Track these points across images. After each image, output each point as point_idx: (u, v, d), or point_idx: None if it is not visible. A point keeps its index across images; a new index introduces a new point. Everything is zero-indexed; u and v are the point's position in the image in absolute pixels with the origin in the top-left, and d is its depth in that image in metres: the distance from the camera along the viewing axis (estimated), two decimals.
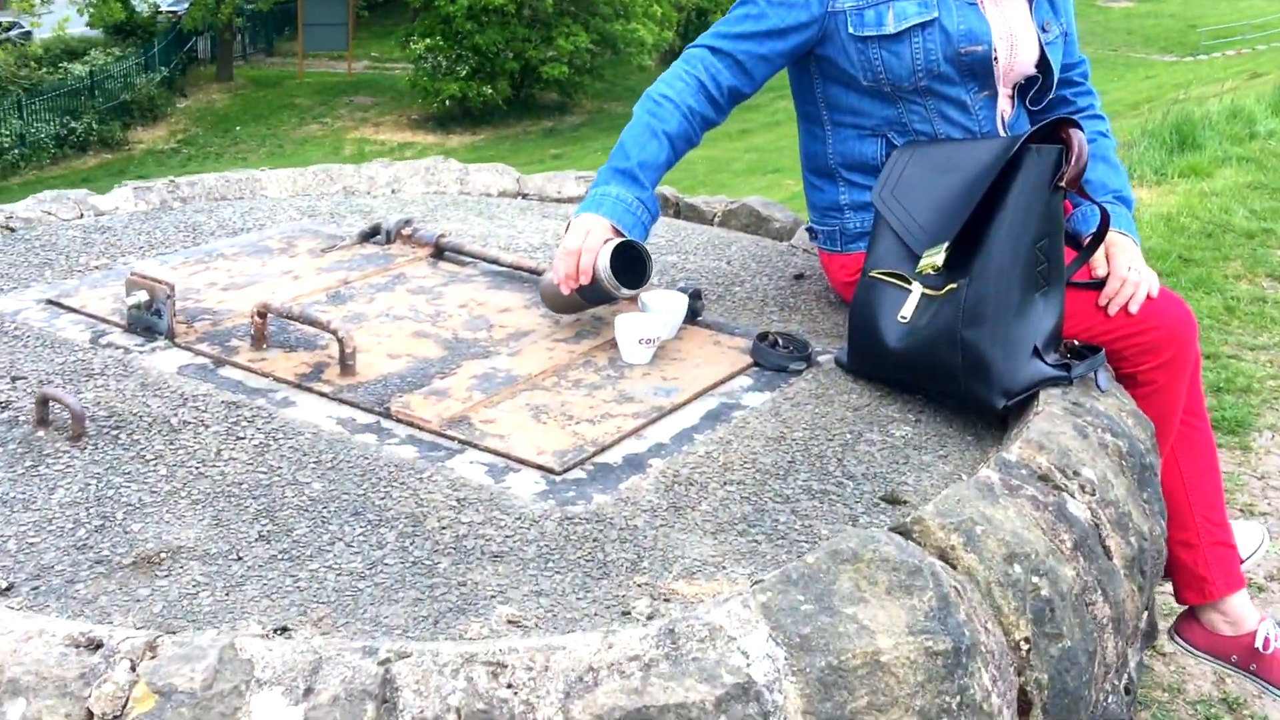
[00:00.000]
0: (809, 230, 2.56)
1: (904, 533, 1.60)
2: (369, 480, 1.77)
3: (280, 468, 1.79)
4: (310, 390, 2.04)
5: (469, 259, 2.66)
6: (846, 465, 1.90)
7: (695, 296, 2.39)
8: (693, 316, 2.40)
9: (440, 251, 2.68)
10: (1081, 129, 2.00)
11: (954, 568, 1.58)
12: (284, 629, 1.43)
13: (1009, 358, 1.96)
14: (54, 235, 2.73)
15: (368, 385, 2.05)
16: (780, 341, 2.24)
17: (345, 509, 1.70)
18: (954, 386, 2.01)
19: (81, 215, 2.91)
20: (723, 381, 2.15)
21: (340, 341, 2.06)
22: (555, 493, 1.77)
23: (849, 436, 1.99)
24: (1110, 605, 1.72)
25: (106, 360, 2.10)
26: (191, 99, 28.33)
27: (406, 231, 2.71)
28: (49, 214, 2.85)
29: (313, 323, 2.09)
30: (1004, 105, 2.32)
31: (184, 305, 2.32)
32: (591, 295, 2.22)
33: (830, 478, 1.86)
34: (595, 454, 1.87)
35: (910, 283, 2.07)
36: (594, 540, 1.66)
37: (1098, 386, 2.05)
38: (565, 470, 1.82)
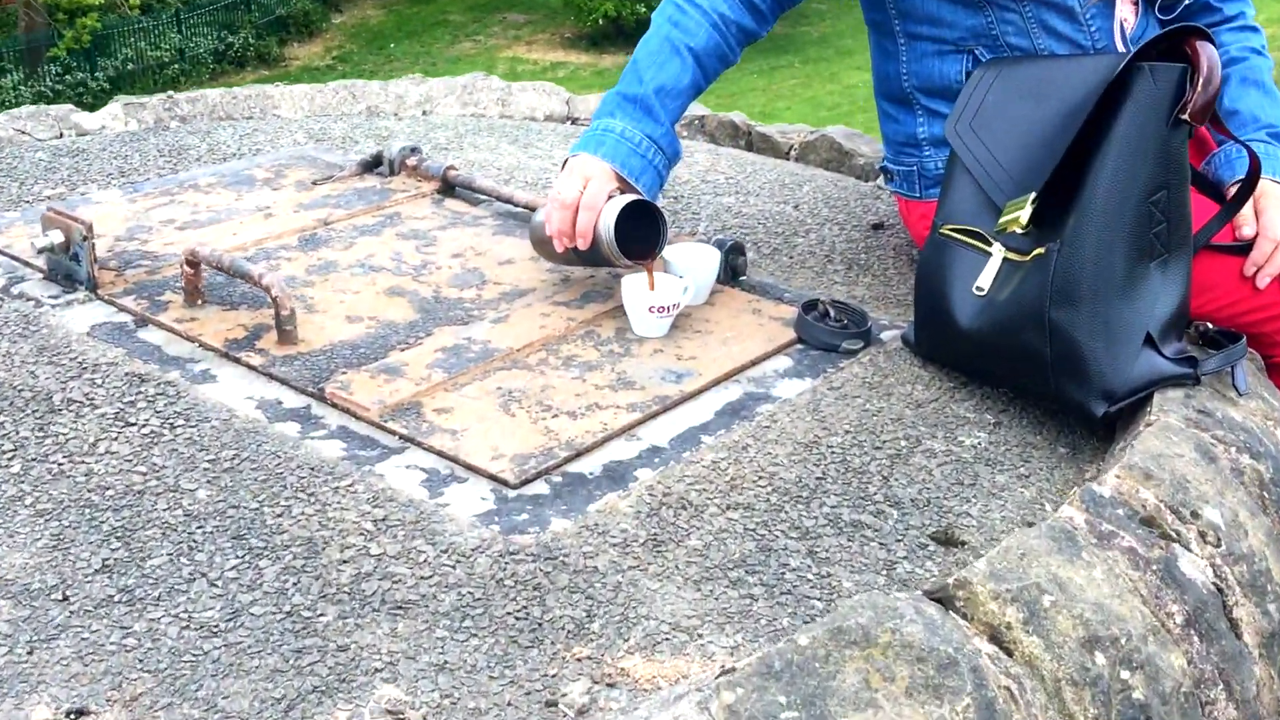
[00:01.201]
0: (883, 170, 2.09)
1: (943, 600, 1.17)
2: (270, 489, 1.40)
3: (165, 468, 1.43)
4: (238, 361, 1.67)
5: (481, 197, 2.26)
6: (893, 486, 1.46)
7: (735, 251, 1.95)
8: (733, 275, 1.96)
9: (449, 187, 2.28)
10: (1214, 42, 1.49)
11: (1009, 655, 1.14)
12: (80, 713, 1.07)
13: (1112, 348, 1.48)
14: (18, 158, 2.40)
15: (308, 357, 1.67)
16: (831, 313, 1.79)
17: (226, 529, 1.32)
18: (1041, 383, 1.54)
19: (61, 135, 2.58)
20: (753, 363, 1.72)
21: (275, 302, 1.68)
22: (503, 514, 1.37)
23: (903, 444, 1.54)
24: (1236, 704, 1.26)
25: (9, 314, 1.76)
26: (346, 14, 28.31)
27: (411, 162, 2.31)
28: (22, 133, 2.52)
29: (243, 275, 1.72)
30: (1124, 12, 1.81)
31: (124, 248, 1.97)
32: (590, 258, 1.80)
33: (869, 503, 1.42)
34: (567, 461, 1.47)
35: (990, 243, 1.60)
36: (535, 587, 1.26)
37: (1236, 388, 1.57)
38: (523, 483, 1.42)
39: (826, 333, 1.77)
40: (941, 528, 1.39)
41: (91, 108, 2.62)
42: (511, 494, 1.41)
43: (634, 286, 1.75)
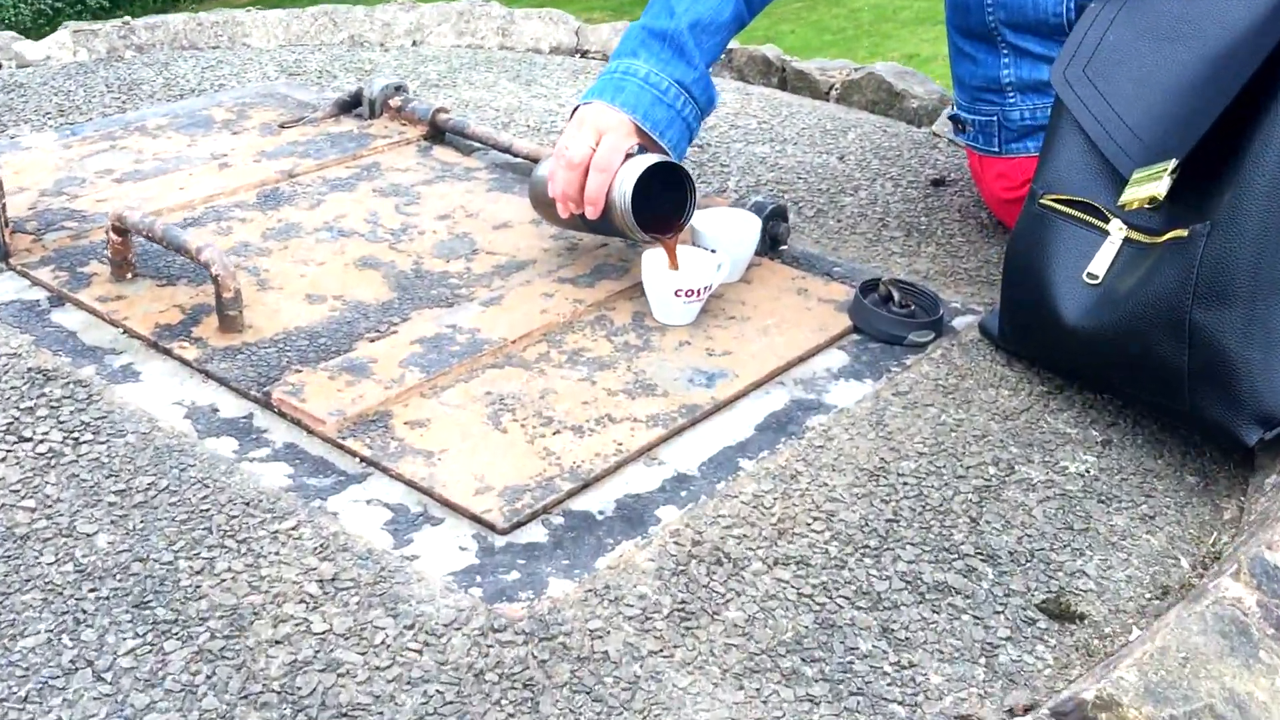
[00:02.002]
0: (953, 120, 1.76)
1: None
2: (191, 533, 1.09)
3: (59, 501, 1.12)
4: (168, 354, 1.35)
5: (475, 145, 1.93)
6: (985, 530, 1.15)
7: (776, 216, 1.62)
8: (773, 245, 1.63)
9: (438, 132, 1.95)
10: None
11: None
12: None
13: (1273, 360, 1.16)
14: None
15: (255, 350, 1.36)
16: (895, 296, 1.47)
17: (128, 594, 1.02)
18: (1171, 398, 1.23)
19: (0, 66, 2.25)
20: (800, 360, 1.40)
21: (216, 282, 1.36)
22: (488, 571, 1.07)
23: (992, 472, 1.23)
24: None
25: None
26: None
27: (395, 102, 1.98)
28: None
29: (178, 248, 1.40)
30: None
31: (49, 205, 1.65)
32: (601, 228, 1.48)
33: (955, 556, 1.12)
34: (570, 495, 1.16)
35: (1107, 220, 1.28)
36: (526, 684, 0.95)
37: None
38: (514, 526, 1.12)
39: (890, 322, 1.45)
40: (1051, 593, 1.08)
41: (35, 34, 2.28)
42: (499, 541, 1.10)
43: (656, 264, 1.43)
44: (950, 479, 1.22)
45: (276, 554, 1.07)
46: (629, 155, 1.42)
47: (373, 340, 1.38)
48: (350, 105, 2.02)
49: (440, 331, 1.39)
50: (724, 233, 1.52)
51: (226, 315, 1.36)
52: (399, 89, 1.99)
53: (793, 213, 1.79)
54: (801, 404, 1.33)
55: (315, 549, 1.08)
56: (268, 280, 1.50)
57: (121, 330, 1.39)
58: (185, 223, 1.62)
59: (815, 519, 1.15)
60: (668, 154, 1.46)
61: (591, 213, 1.43)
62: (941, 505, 1.18)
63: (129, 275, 1.47)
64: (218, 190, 1.71)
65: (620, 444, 1.22)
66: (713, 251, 1.50)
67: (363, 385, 1.28)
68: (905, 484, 1.21)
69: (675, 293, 1.41)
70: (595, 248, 1.62)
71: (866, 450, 1.26)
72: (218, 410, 1.26)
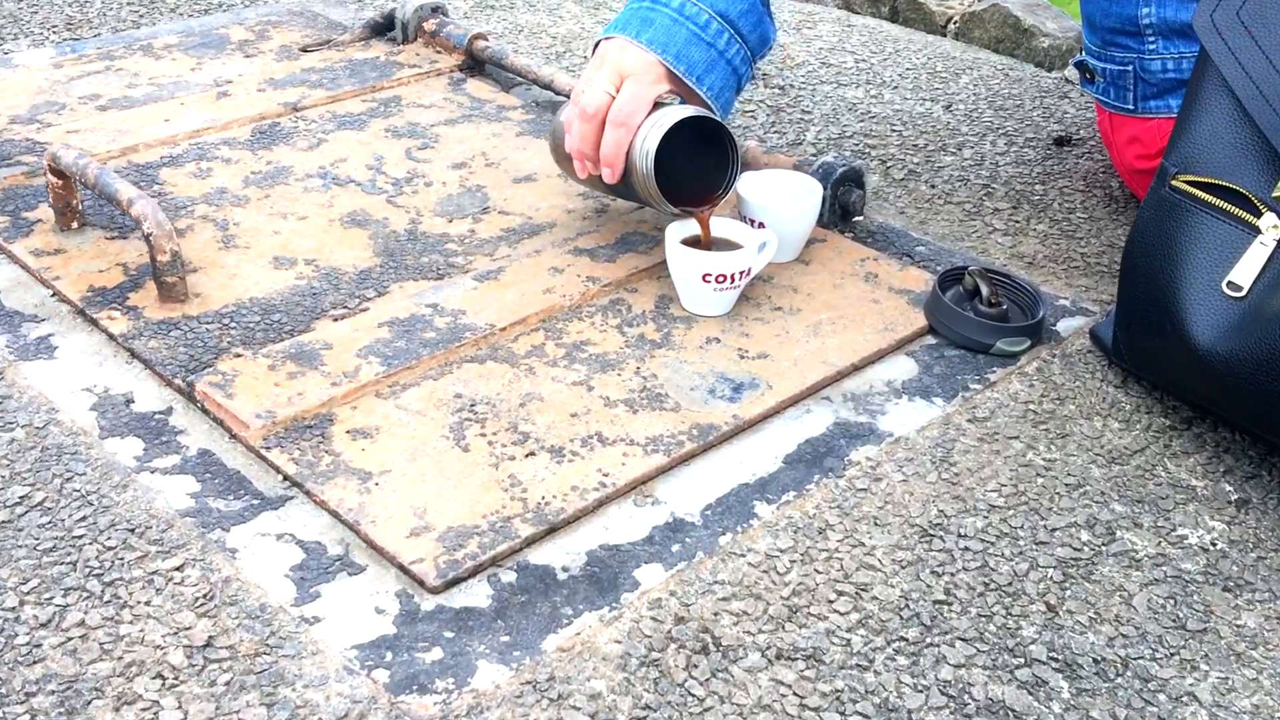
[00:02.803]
0: (1080, 67, 1.44)
1: None
2: (52, 568, 0.88)
3: None
4: (95, 324, 1.14)
5: (515, 78, 1.67)
6: (1064, 622, 0.87)
7: (847, 181, 1.33)
8: (843, 216, 1.35)
9: (475, 62, 1.70)
10: None
11: None
12: None
13: None
14: None
15: (195, 324, 1.13)
16: (984, 290, 1.17)
17: None
18: None
19: None
20: (856, 368, 1.13)
21: (148, 242, 1.14)
22: (403, 646, 0.83)
23: (1085, 537, 0.95)
24: None
25: None
26: None
27: (430, 25, 1.73)
28: None
29: (109, 197, 1.18)
30: None
31: (14, 135, 1.45)
32: (624, 192, 1.22)
33: (1020, 657, 0.84)
34: (530, 543, 0.92)
35: (1259, 213, 0.98)
36: None
37: None
38: (449, 584, 0.88)
39: (973, 324, 1.16)
40: None
41: None
42: (428, 603, 0.86)
43: (683, 240, 1.17)
44: (1028, 546, 0.94)
45: (147, 604, 0.85)
46: (658, 105, 1.15)
47: (336, 319, 1.15)
48: (383, 27, 1.77)
49: (417, 311, 1.15)
50: (776, 202, 1.24)
51: (164, 282, 1.14)
52: (436, 9, 1.74)
53: (878, 174, 1.50)
54: (847, 429, 1.06)
55: (197, 599, 0.86)
56: (234, 237, 1.27)
57: (53, 291, 1.18)
58: (162, 161, 1.41)
59: (840, 594, 0.89)
60: (708, 106, 1.19)
61: (608, 175, 1.17)
62: (1011, 584, 0.91)
63: (74, 224, 1.26)
64: (207, 123, 1.48)
65: (606, 475, 0.97)
66: (758, 226, 1.23)
67: (307, 378, 1.05)
68: (967, 550, 0.93)
69: (704, 277, 1.14)
70: (628, 211, 1.36)
71: (923, 498, 0.98)
72: (132, 402, 1.05)
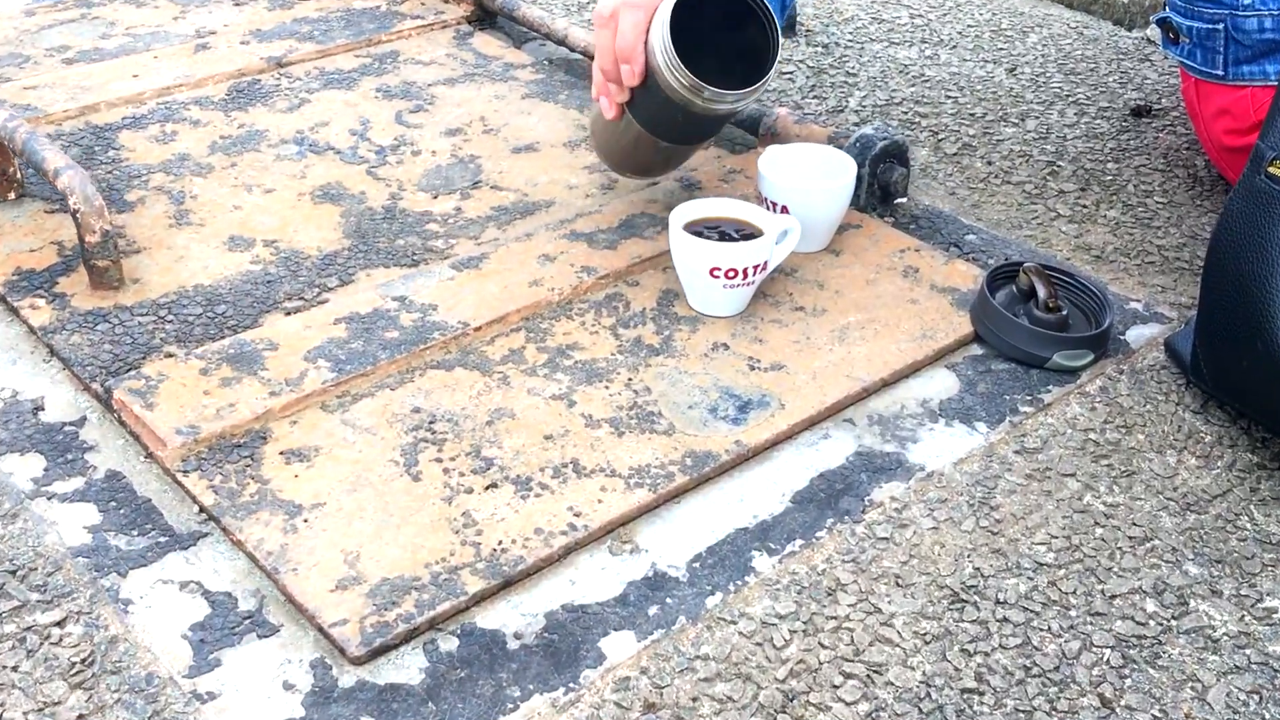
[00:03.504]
0: (1163, 25, 1.25)
1: None
2: None
3: None
4: (15, 314, 1.01)
5: (529, 32, 1.51)
6: None
7: (888, 158, 1.16)
8: (883, 198, 1.18)
9: (486, 13, 1.54)
10: None
11: None
12: None
13: None
14: None
15: (126, 316, 0.99)
16: (1041, 292, 1.00)
17: None
18: None
19: None
20: (886, 384, 0.96)
21: (75, 220, 1.00)
22: None
23: (1151, 608, 0.78)
24: None
25: None
26: None
27: None
28: None
29: (37, 166, 1.04)
30: None
31: None
32: (656, 114, 1.03)
33: None
34: (479, 600, 0.77)
35: None
36: None
37: None
38: (375, 653, 0.73)
39: (1028, 334, 0.99)
40: None
41: None
42: (347, 677, 0.72)
43: (689, 224, 1.00)
44: (1081, 618, 0.78)
45: (14, 669, 0.72)
46: None
47: (289, 312, 1.01)
48: None
49: (382, 305, 1.00)
50: (802, 182, 1.08)
51: (94, 266, 1.00)
52: None
53: (928, 147, 1.32)
54: (871, 460, 0.89)
55: (74, 666, 0.72)
56: (188, 212, 1.13)
57: None
58: (124, 122, 1.27)
59: (849, 676, 0.73)
60: None
61: (629, 74, 0.98)
62: (1058, 669, 0.74)
63: (11, 195, 1.13)
64: (179, 80, 1.34)
65: (578, 515, 0.82)
66: (780, 210, 1.06)
67: (243, 386, 0.91)
68: (1005, 621, 0.77)
69: (712, 272, 0.98)
70: (638, 188, 1.19)
71: (956, 551, 0.82)
72: (41, 410, 0.91)
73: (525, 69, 1.42)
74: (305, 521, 0.81)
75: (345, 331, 0.97)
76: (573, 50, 1.42)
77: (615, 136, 1.07)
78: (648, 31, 0.97)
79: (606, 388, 0.93)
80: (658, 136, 1.06)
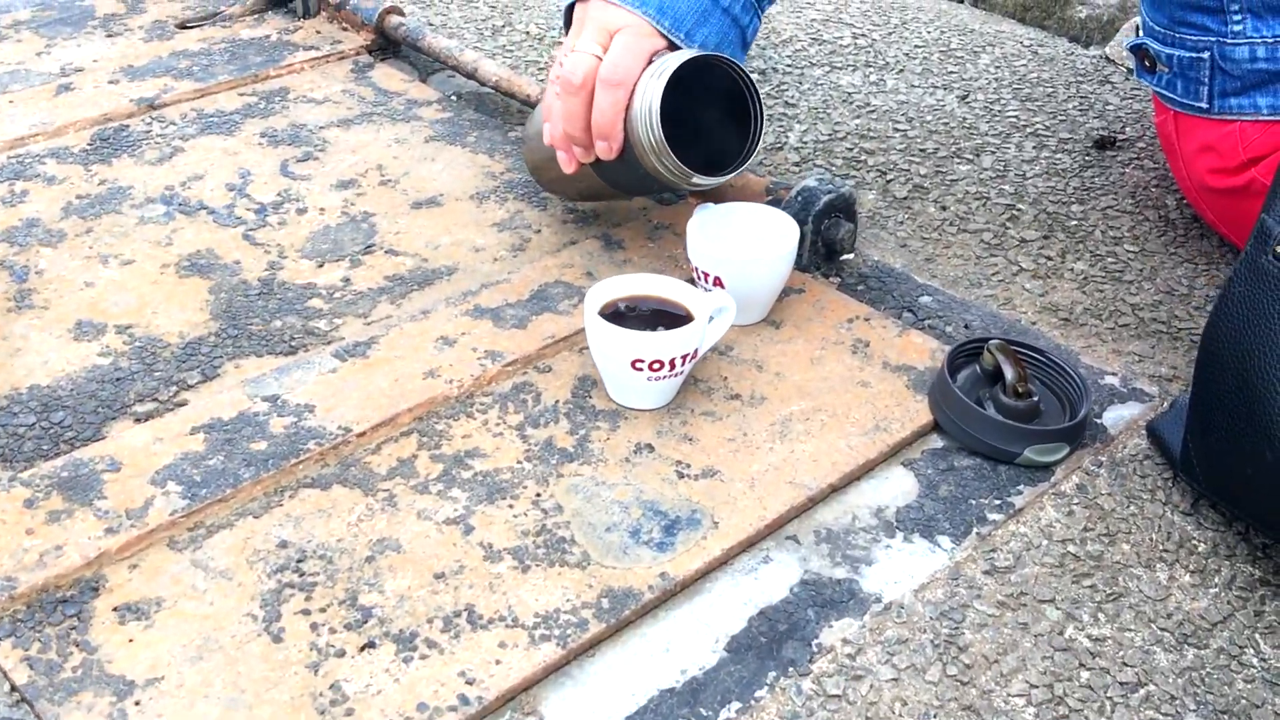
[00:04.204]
0: (1137, 52, 1.13)
1: None
2: None
3: None
4: None
5: (436, 63, 1.37)
6: None
7: (833, 213, 1.03)
8: (827, 255, 1.05)
9: (388, 42, 1.39)
10: None
11: None
12: None
13: None
14: None
15: None
16: (1010, 374, 0.87)
17: None
18: None
19: None
20: (835, 489, 0.84)
21: None
22: None
23: None
24: None
25: None
26: None
27: None
28: None
29: None
30: None
31: None
32: (628, 180, 0.95)
33: None
34: None
35: None
36: None
37: None
38: None
39: (995, 426, 0.86)
40: None
41: None
42: None
43: (605, 308, 0.87)
44: None
45: None
46: (652, 59, 0.89)
47: (139, 419, 0.86)
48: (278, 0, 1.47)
49: (249, 408, 0.86)
50: (736, 251, 0.94)
51: None
52: None
53: (876, 190, 1.20)
54: (820, 591, 0.77)
55: None
56: (32, 291, 0.98)
57: None
58: None
59: None
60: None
61: (605, 150, 0.91)
62: None
63: None
64: (35, 128, 1.19)
65: (471, 683, 0.69)
66: (713, 283, 0.93)
67: (75, 521, 0.76)
68: None
69: (634, 364, 0.85)
70: (554, 249, 1.06)
71: (920, 711, 0.69)
72: None
73: (430, 106, 1.28)
74: (137, 705, 0.66)
75: (203, 444, 0.83)
76: (483, 84, 1.28)
77: (561, 174, 0.97)
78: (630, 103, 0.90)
79: (510, 506, 0.80)
80: (617, 189, 0.98)
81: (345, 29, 1.41)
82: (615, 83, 0.90)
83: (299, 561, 0.75)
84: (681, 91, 0.90)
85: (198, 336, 0.94)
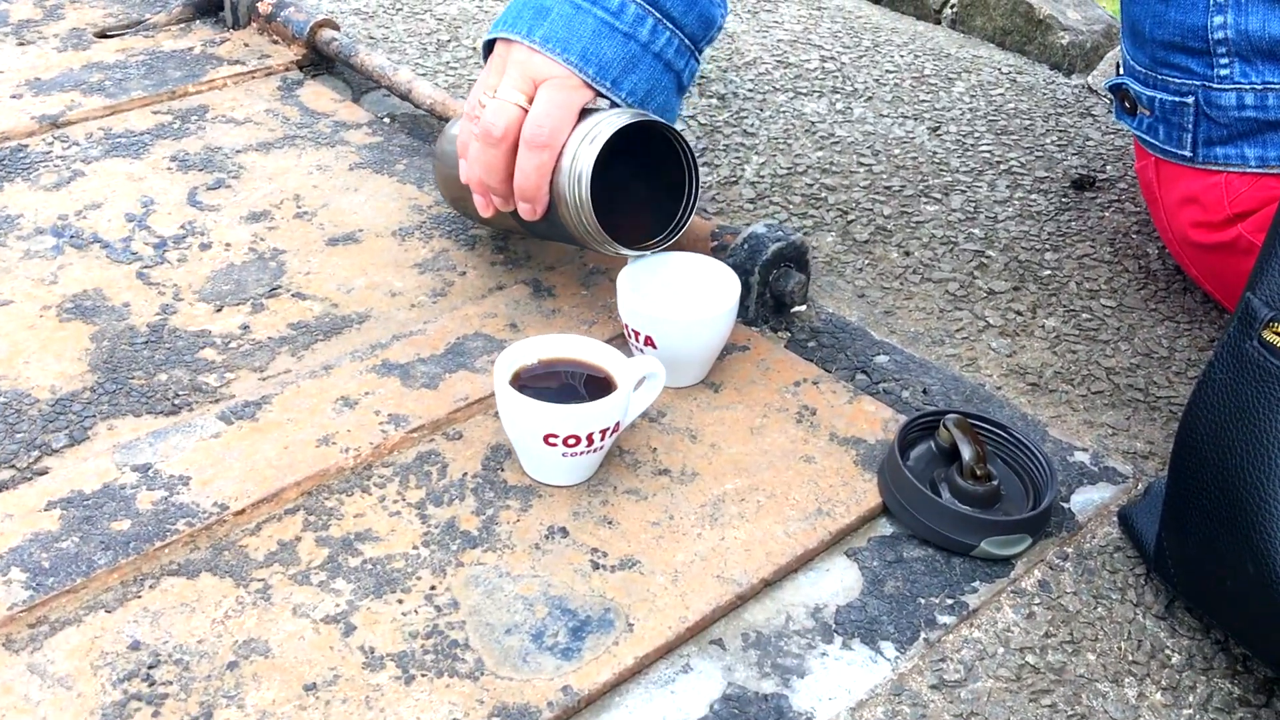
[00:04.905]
0: (1117, 92, 1.04)
1: None
2: None
3: None
4: None
5: (370, 81, 1.27)
6: None
7: (781, 263, 0.94)
8: (776, 308, 0.96)
9: (320, 58, 1.30)
10: None
11: None
12: None
13: None
14: None
15: None
16: (968, 454, 0.79)
17: None
18: None
19: None
20: (767, 584, 0.75)
21: None
22: None
23: None
24: None
25: None
26: None
27: (266, 6, 1.33)
28: None
29: None
30: None
31: None
32: (543, 230, 0.88)
33: None
34: None
35: None
36: None
37: None
38: None
39: (949, 516, 0.77)
40: None
41: None
42: None
43: (520, 375, 0.78)
44: None
45: None
46: (585, 112, 0.80)
47: None
48: (211, 6, 1.37)
49: (115, 479, 0.77)
50: (670, 310, 0.85)
51: None
52: None
53: (835, 232, 1.11)
54: (744, 708, 0.68)
55: None
56: None
57: None
58: None
59: None
60: (644, 112, 0.84)
61: (527, 212, 0.84)
62: None
63: None
64: None
65: None
66: (644, 344, 0.84)
67: None
68: None
69: (547, 440, 0.76)
70: (481, 294, 0.97)
71: None
72: None
73: (359, 129, 1.18)
74: None
75: (58, 522, 0.74)
76: (417, 106, 1.19)
77: (464, 193, 0.90)
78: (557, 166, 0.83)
79: (400, 602, 0.71)
80: (534, 235, 0.92)
81: (276, 42, 1.31)
82: (540, 144, 0.83)
83: (150, 668, 0.66)
84: (611, 150, 0.82)
85: (70, 391, 0.85)
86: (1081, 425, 0.90)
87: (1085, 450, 0.88)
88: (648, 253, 0.87)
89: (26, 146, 1.11)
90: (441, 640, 0.69)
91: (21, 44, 1.29)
